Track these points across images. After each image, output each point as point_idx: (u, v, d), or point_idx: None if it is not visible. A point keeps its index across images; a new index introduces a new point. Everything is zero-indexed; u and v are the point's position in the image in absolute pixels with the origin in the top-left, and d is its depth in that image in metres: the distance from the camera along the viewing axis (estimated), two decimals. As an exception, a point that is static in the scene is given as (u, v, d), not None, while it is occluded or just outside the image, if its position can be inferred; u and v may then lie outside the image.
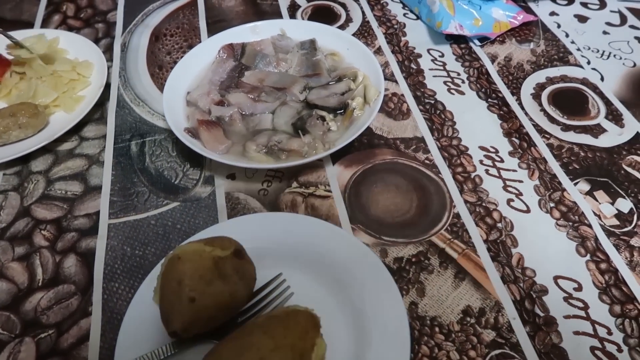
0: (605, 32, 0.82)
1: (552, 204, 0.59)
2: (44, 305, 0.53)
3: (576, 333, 0.49)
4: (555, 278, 0.52)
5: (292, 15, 0.88)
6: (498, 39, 0.81)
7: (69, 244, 0.57)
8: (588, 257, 0.54)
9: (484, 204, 0.59)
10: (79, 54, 0.78)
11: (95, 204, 0.61)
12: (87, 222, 0.59)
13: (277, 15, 0.88)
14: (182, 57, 0.72)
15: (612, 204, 0.59)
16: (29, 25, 0.88)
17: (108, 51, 0.82)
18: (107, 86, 0.74)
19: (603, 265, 0.53)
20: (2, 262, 0.56)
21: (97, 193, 0.62)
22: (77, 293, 0.53)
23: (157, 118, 0.71)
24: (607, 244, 0.55)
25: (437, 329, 0.49)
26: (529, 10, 0.86)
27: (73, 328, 0.51)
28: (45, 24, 0.89)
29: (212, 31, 0.83)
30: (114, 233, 0.58)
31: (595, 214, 0.58)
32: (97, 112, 0.72)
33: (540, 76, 0.75)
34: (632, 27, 0.83)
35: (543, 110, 0.70)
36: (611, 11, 0.86)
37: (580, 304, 0.50)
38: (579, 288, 0.52)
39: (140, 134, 0.69)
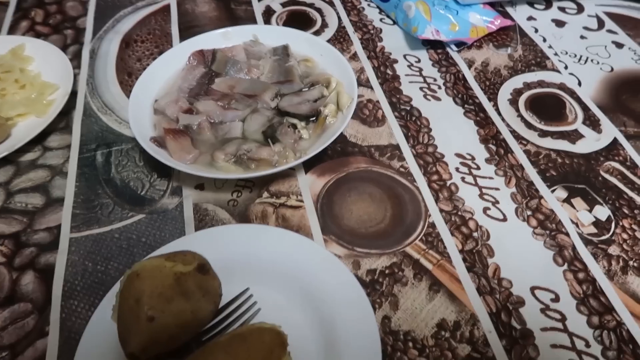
0: (582, 37, 0.82)
1: (529, 212, 0.57)
2: (-2, 325, 0.50)
3: (553, 346, 0.47)
4: (532, 289, 0.51)
5: (267, 21, 0.86)
6: (475, 44, 0.80)
7: (27, 260, 0.55)
8: (565, 266, 0.53)
9: (459, 213, 0.57)
10: (45, 61, 0.75)
11: (56, 217, 0.58)
12: (47, 236, 0.57)
13: (252, 20, 0.86)
14: (151, 64, 0.70)
15: (590, 211, 0.57)
16: (-5, 31, 0.85)
17: (76, 58, 0.79)
18: (74, 94, 0.72)
19: (581, 275, 0.52)
20: (-45, 279, 0.53)
21: (59, 205, 0.60)
22: (34, 312, 0.51)
23: (124, 127, 0.68)
24: (585, 252, 0.54)
25: (410, 344, 0.47)
26: (506, 15, 0.85)
27: (28, 350, 0.48)
28: (12, 30, 0.86)
29: (184, 37, 0.81)
30: (75, 247, 0.55)
31: (572, 222, 0.56)
32: (62, 121, 0.69)
33: (517, 81, 0.74)
34: (609, 31, 0.83)
35: (520, 116, 0.68)
36: (589, 15, 0.86)
37: (558, 316, 0.49)
38: (556, 299, 0.50)
39: (106, 144, 0.66)
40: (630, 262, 0.53)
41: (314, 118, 0.63)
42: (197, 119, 0.62)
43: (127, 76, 0.76)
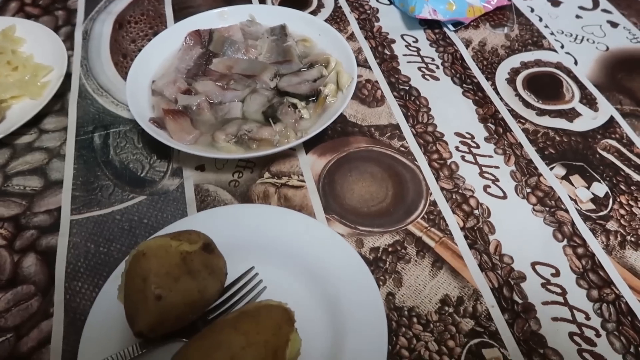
0: (578, 16, 0.82)
1: (528, 190, 0.58)
2: (1, 307, 0.49)
3: (554, 319, 0.48)
4: (533, 264, 0.52)
5: (262, 1, 0.85)
6: (472, 23, 0.80)
7: (28, 242, 0.54)
8: (565, 242, 0.53)
9: (460, 191, 0.58)
10: (36, 42, 0.74)
11: (56, 200, 0.58)
12: (47, 218, 0.56)
13: (247, 1, 0.85)
14: (147, 44, 0.69)
15: (588, 188, 0.58)
16: (-16, 13, 0.83)
17: (69, 40, 0.78)
18: (68, 76, 0.71)
19: (580, 250, 0.53)
20: (-45, 263, 0.53)
21: (58, 188, 0.59)
22: (38, 294, 0.50)
23: (121, 108, 0.67)
24: (583, 228, 0.54)
25: (415, 320, 0.48)
26: (502, -5, 0.85)
27: (33, 331, 0.48)
28: (1, 11, 0.84)
29: (178, 18, 0.80)
30: (76, 229, 0.55)
31: (571, 198, 0.57)
32: (57, 104, 0.68)
33: (514, 61, 0.74)
34: (604, 10, 0.83)
35: (518, 95, 0.69)
36: (583, -5, 0.86)
37: (558, 290, 0.50)
38: (557, 274, 0.51)
39: (103, 126, 0.66)
40: (628, 237, 0.54)
41: (314, 98, 0.63)
42: (196, 100, 0.61)
43: (122, 57, 0.75)
